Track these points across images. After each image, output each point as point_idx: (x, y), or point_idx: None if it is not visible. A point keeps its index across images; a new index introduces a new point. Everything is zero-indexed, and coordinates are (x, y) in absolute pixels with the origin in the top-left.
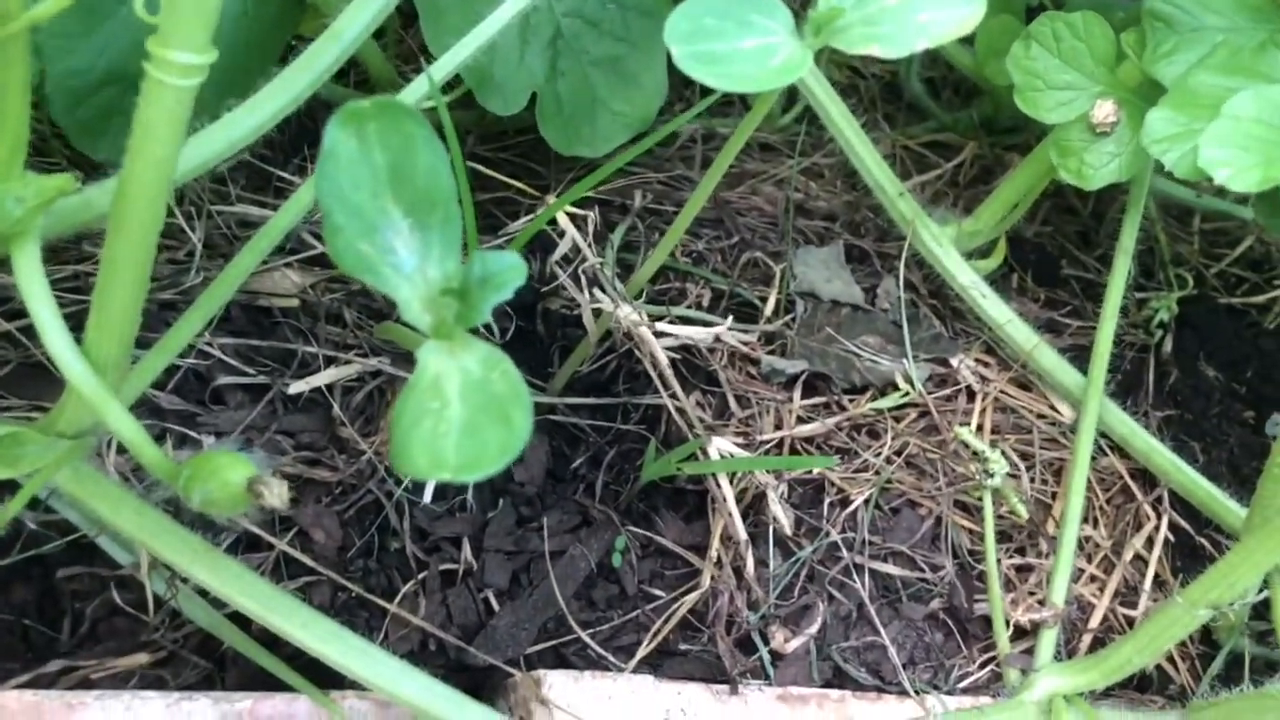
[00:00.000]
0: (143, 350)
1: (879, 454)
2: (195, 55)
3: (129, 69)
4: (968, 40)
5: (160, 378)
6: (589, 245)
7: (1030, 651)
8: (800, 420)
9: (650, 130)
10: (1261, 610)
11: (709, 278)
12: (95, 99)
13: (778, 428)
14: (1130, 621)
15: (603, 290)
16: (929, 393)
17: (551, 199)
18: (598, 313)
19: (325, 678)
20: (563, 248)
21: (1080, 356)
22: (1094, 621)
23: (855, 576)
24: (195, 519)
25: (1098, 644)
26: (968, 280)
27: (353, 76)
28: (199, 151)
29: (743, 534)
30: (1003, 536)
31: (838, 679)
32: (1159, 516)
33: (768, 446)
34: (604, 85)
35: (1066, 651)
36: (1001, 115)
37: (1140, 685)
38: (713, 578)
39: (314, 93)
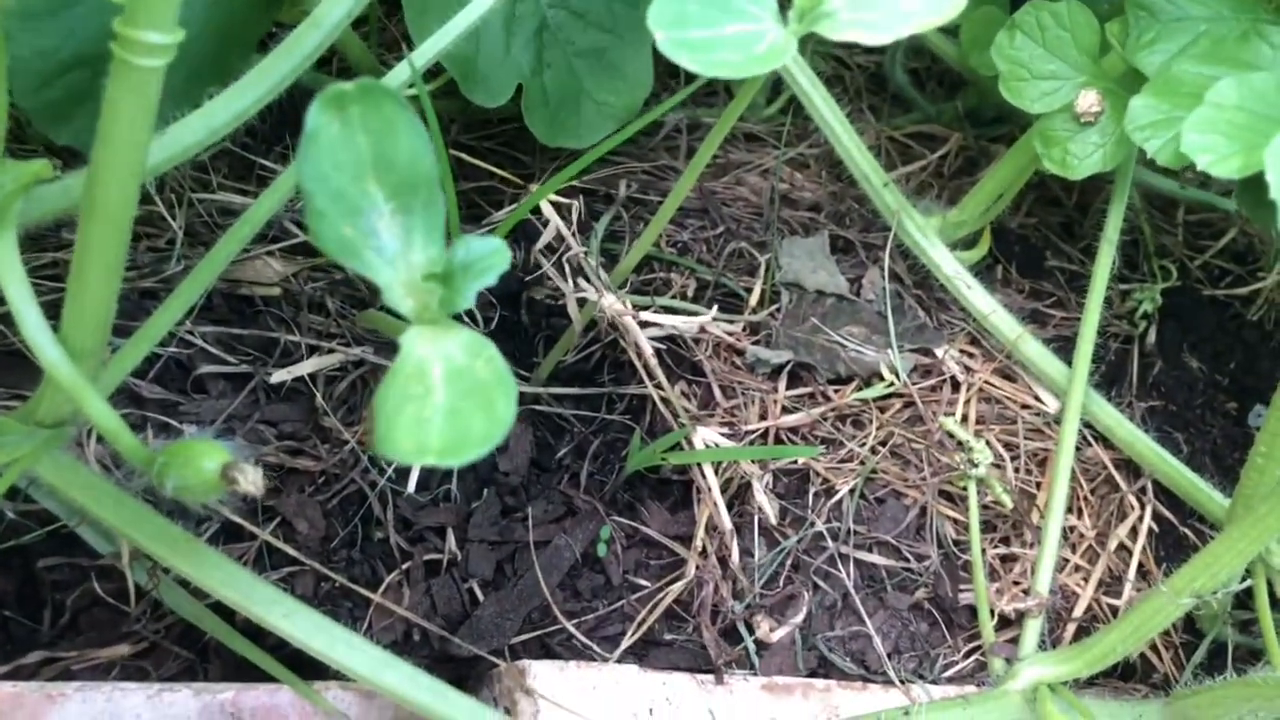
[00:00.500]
0: (123, 339)
1: (864, 444)
2: (162, 35)
3: (99, 52)
4: (952, 31)
5: (141, 366)
6: (573, 234)
7: (1015, 641)
8: (785, 410)
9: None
10: (1244, 599)
11: (694, 268)
12: (62, 82)
13: (762, 418)
14: (1114, 611)
15: (587, 279)
16: (913, 383)
17: (535, 188)
18: (582, 302)
19: (308, 668)
20: (546, 236)
21: (1064, 347)
22: (1078, 611)
23: (840, 566)
24: (176, 509)
25: (1082, 633)
26: (952, 271)
27: (335, 65)
28: (179, 139)
29: (728, 524)
30: (987, 526)
31: (823, 668)
32: (1143, 506)
33: (752, 437)
34: (589, 76)
35: (1051, 641)
36: (986, 107)
37: (1124, 674)
38: (698, 567)
39: (296, 81)
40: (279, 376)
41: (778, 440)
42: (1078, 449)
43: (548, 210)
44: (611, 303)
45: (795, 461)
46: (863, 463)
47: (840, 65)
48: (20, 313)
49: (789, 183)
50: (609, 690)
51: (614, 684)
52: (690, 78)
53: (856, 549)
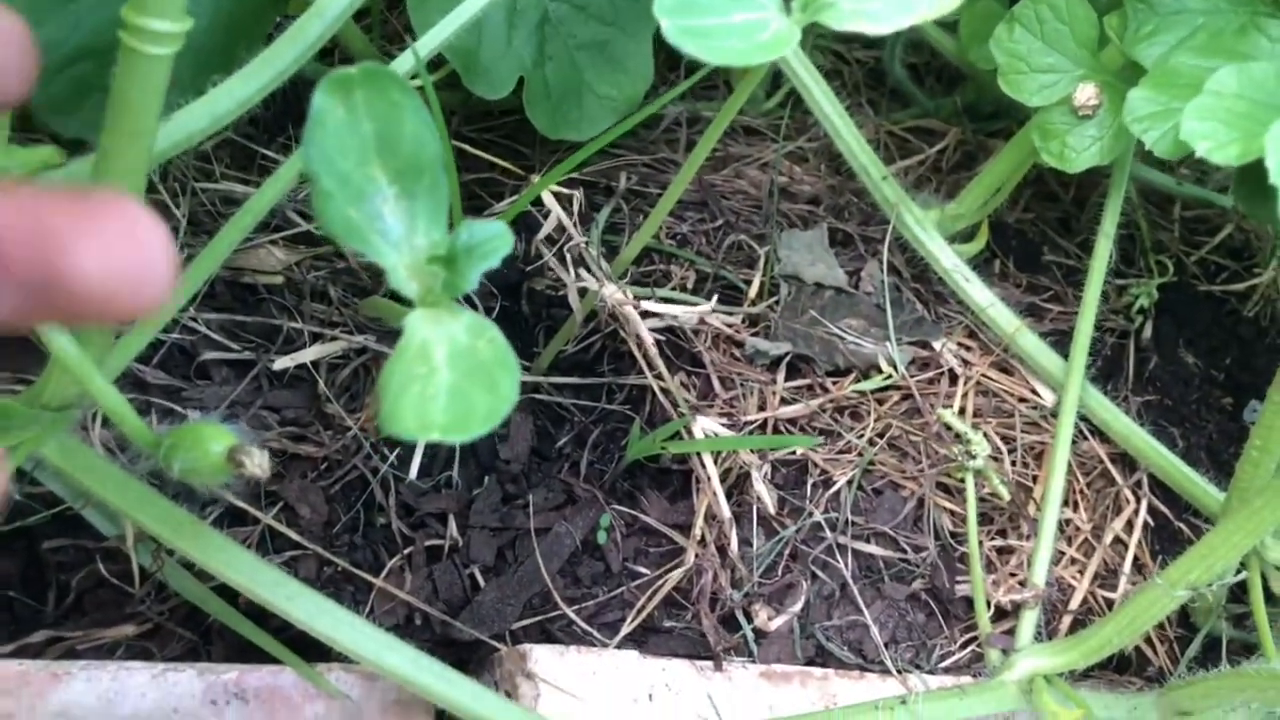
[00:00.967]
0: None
1: (862, 435)
2: (171, 23)
3: (105, 44)
4: (951, 26)
5: (145, 352)
6: (575, 224)
7: (1011, 632)
8: (784, 401)
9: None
10: (1238, 593)
11: (693, 260)
12: (68, 73)
13: (761, 409)
14: (1109, 603)
15: (588, 270)
16: (911, 375)
17: (536, 179)
18: (583, 292)
19: (311, 650)
20: (547, 227)
21: (1061, 341)
22: (1074, 603)
23: (838, 556)
24: (181, 492)
25: (1078, 625)
26: (950, 264)
27: (336, 56)
28: (183, 126)
29: (727, 513)
30: (984, 518)
31: (820, 657)
32: (1138, 500)
33: (751, 427)
34: (590, 69)
35: (1047, 632)
36: (984, 101)
37: (1119, 666)
38: (697, 556)
39: (299, 72)
40: (282, 363)
41: (776, 431)
42: (1074, 442)
43: (549, 201)
44: (612, 293)
45: (794, 452)
46: (861, 454)
47: (839, 60)
48: None
49: (788, 176)
50: (609, 675)
51: (614, 669)
52: (690, 71)
53: (854, 539)
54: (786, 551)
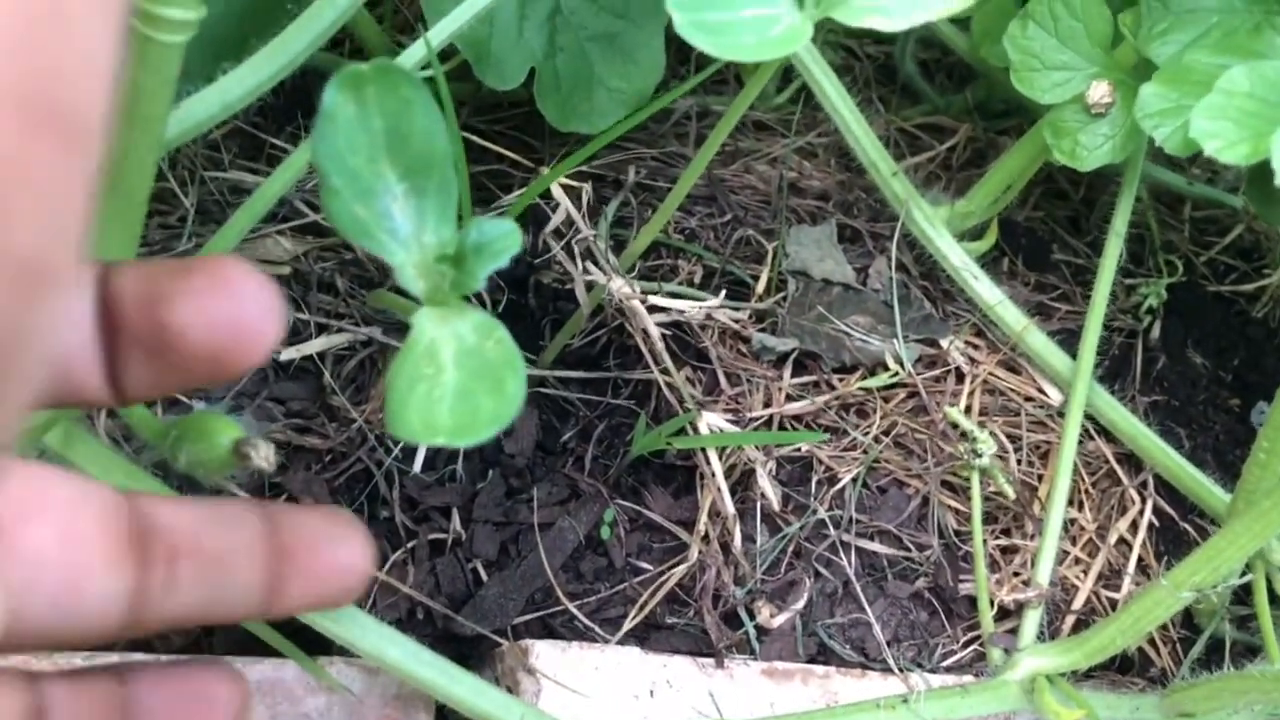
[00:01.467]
0: None
1: (867, 433)
2: (185, 11)
3: None
4: (963, 22)
5: None
6: (583, 217)
7: (1014, 632)
8: (790, 398)
9: (646, 106)
10: (1242, 595)
11: (701, 254)
12: None
13: (767, 405)
14: (1113, 604)
15: (595, 263)
16: (918, 373)
17: (545, 172)
18: (590, 286)
19: (313, 644)
20: (556, 220)
21: (1069, 340)
22: (1077, 603)
23: (842, 554)
24: (185, 484)
25: (1081, 625)
26: (959, 261)
27: (347, 47)
28: (193, 114)
29: (731, 509)
30: (989, 517)
31: (823, 655)
32: (1144, 501)
33: (757, 423)
34: (601, 61)
35: (1050, 632)
36: (994, 99)
37: (1122, 667)
38: (700, 552)
39: (309, 61)
40: (288, 354)
41: (782, 427)
42: (1080, 442)
43: (558, 194)
44: (619, 287)
45: (799, 449)
46: (866, 451)
47: (850, 55)
48: None
49: (797, 171)
50: (610, 671)
51: (616, 665)
52: (701, 65)
53: (858, 537)
54: (790, 548)
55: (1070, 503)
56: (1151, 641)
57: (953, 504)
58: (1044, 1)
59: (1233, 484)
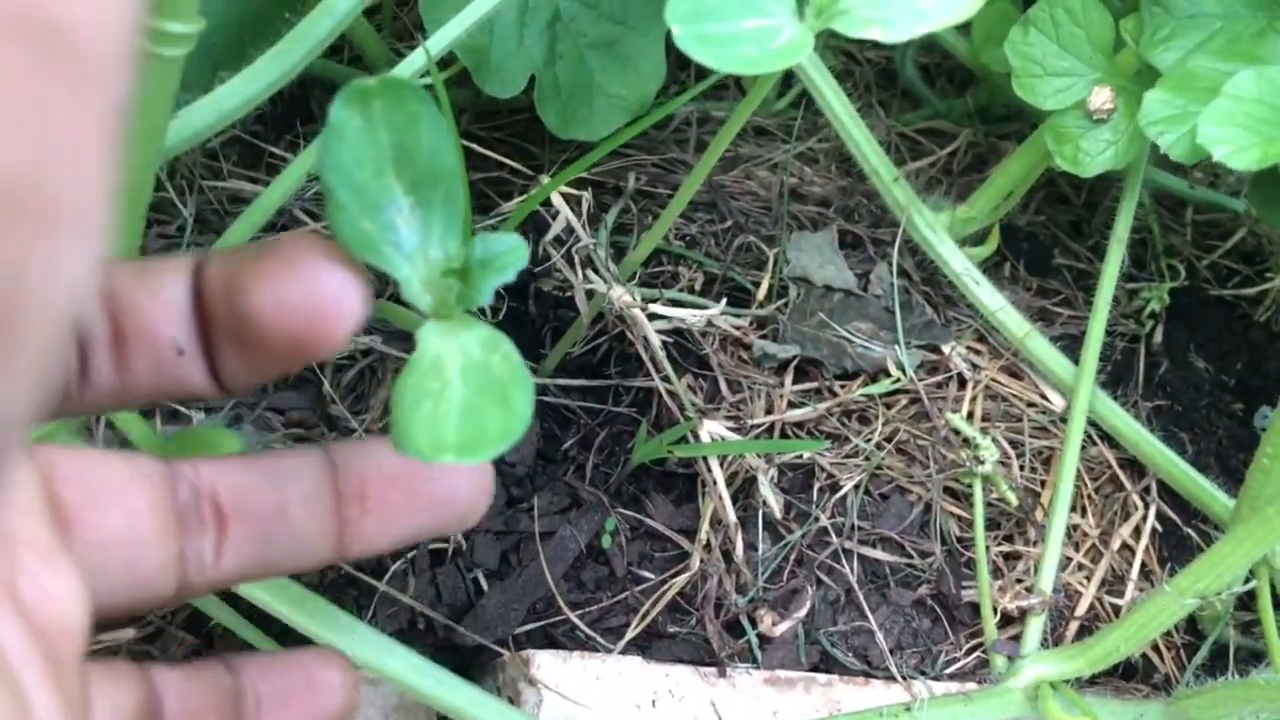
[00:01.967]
0: None
1: (869, 439)
2: (184, 25)
3: None
4: (964, 28)
5: None
6: (583, 225)
7: (1017, 638)
8: (791, 405)
9: (646, 113)
10: (1247, 601)
11: (702, 261)
12: None
13: (769, 412)
14: (1116, 610)
15: (596, 272)
16: (920, 379)
17: (545, 179)
18: (590, 294)
19: None
20: (556, 228)
21: (1071, 346)
22: (1081, 609)
23: (844, 561)
24: None
25: (1084, 632)
26: (961, 268)
27: (346, 54)
28: (190, 124)
29: (732, 517)
30: (991, 524)
31: (825, 663)
32: (1147, 506)
33: (758, 431)
34: (601, 68)
35: (1053, 639)
36: (995, 103)
37: (1125, 673)
38: (702, 561)
39: (307, 69)
40: None
41: (783, 434)
42: (1083, 447)
43: (557, 202)
44: (620, 295)
45: (800, 456)
46: (868, 458)
47: (850, 60)
48: None
49: (798, 177)
50: (612, 681)
51: (617, 675)
52: (702, 72)
53: (860, 544)
54: (792, 556)
55: (1073, 508)
56: (1155, 647)
57: (955, 510)
58: (1045, 7)
59: (1236, 488)
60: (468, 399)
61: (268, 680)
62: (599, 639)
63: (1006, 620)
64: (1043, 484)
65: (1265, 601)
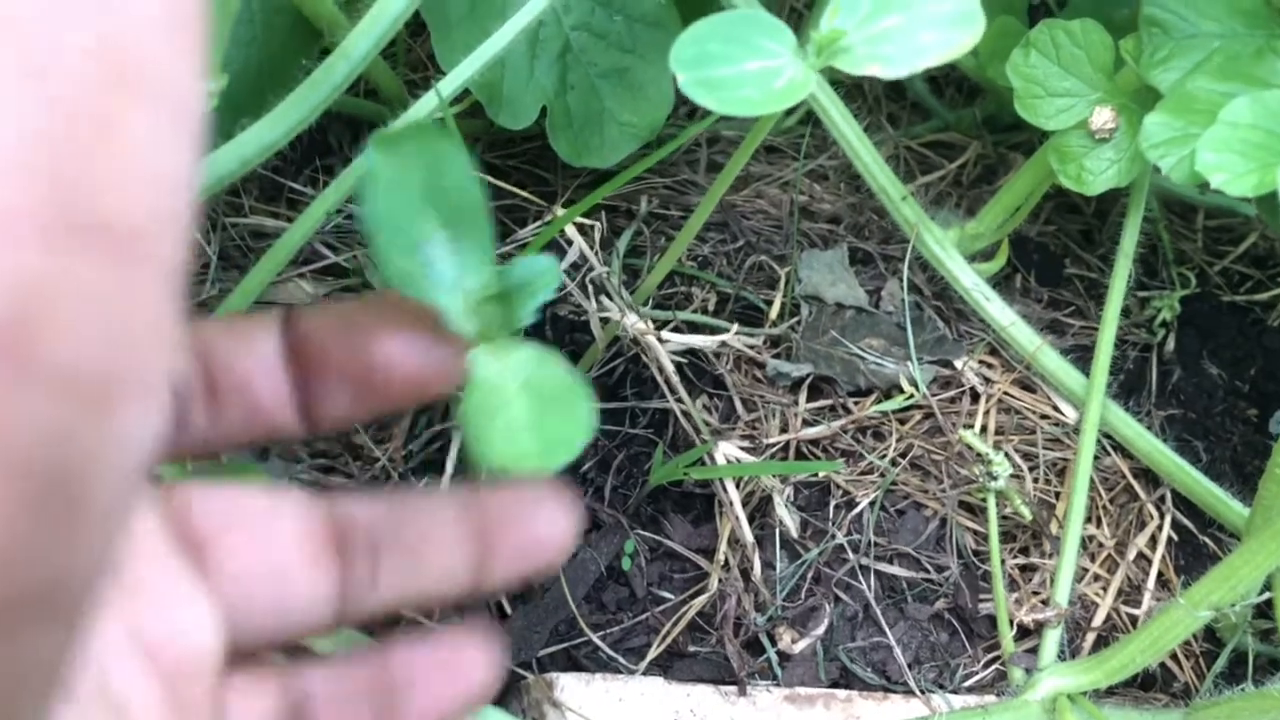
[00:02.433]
0: None
1: (884, 456)
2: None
3: None
4: None
5: None
6: (596, 253)
7: (1034, 651)
8: (806, 423)
9: (658, 139)
10: (1265, 608)
11: (715, 281)
12: None
13: (783, 430)
14: (1133, 620)
15: (610, 298)
16: (933, 395)
17: (559, 208)
18: (605, 321)
19: None
20: (570, 256)
21: (1084, 356)
22: (1098, 620)
23: (861, 578)
24: None
25: (1101, 642)
26: (971, 284)
27: (362, 87)
28: (212, 170)
29: (750, 537)
30: (1007, 537)
31: (844, 679)
32: (1162, 515)
33: (774, 449)
34: (612, 96)
35: (1070, 650)
36: (1004, 113)
37: (1144, 683)
38: (720, 580)
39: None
40: None
41: (798, 453)
42: (1096, 458)
43: (571, 232)
44: (633, 323)
45: (816, 474)
46: (883, 475)
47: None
48: None
49: (808, 195)
50: (634, 702)
51: (639, 696)
52: None
53: (877, 560)
54: (809, 574)
55: (1088, 519)
56: (1174, 656)
57: (971, 525)
58: (1045, 30)
59: (1251, 495)
60: (532, 412)
61: (414, 664)
62: (621, 660)
63: (1024, 632)
64: (1057, 496)
65: None
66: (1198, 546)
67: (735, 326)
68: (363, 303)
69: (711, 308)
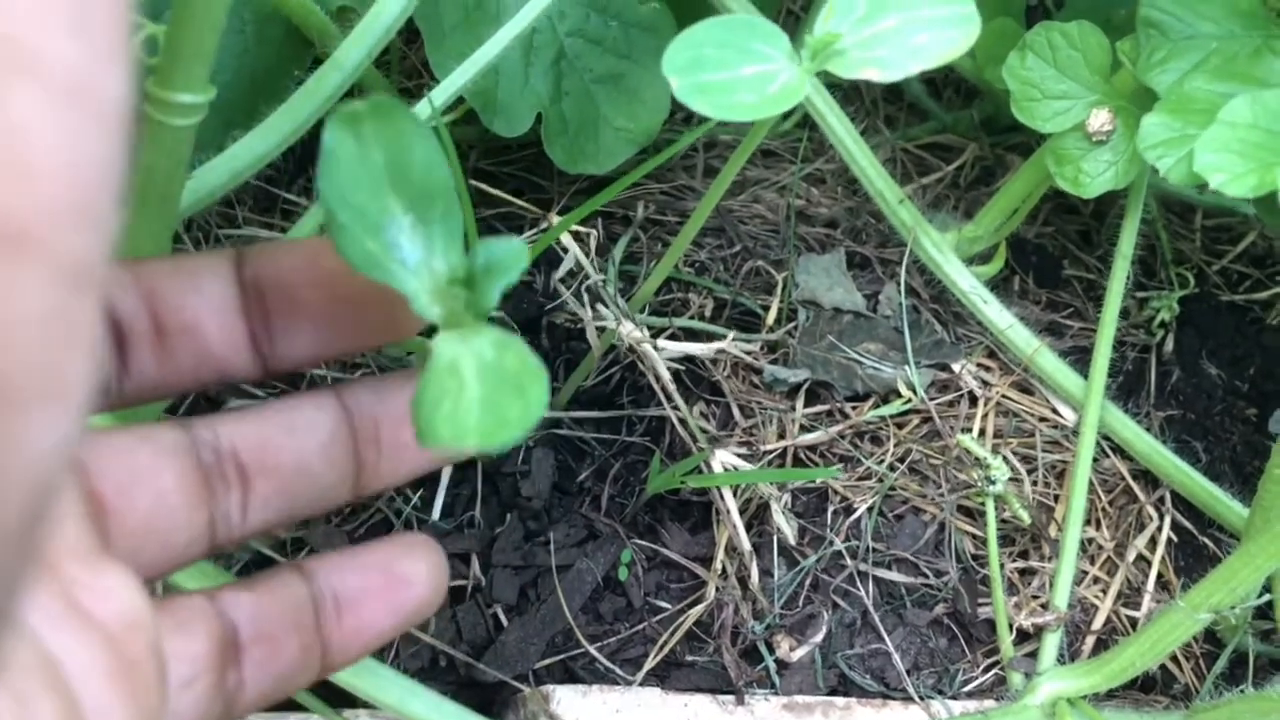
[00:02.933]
0: None
1: (882, 461)
2: (195, 95)
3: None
4: None
5: (173, 401)
6: (591, 262)
7: (1034, 655)
8: (803, 429)
9: (654, 144)
10: (1265, 609)
11: (711, 287)
12: None
13: (781, 437)
14: (1133, 622)
15: (606, 306)
16: (931, 399)
17: (554, 215)
18: (601, 329)
19: (337, 697)
20: (566, 265)
21: (1082, 358)
22: (1097, 623)
23: (859, 584)
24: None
25: (1101, 645)
26: (968, 286)
27: (356, 94)
28: (205, 183)
29: (747, 545)
30: (1005, 540)
31: (843, 686)
32: (1161, 517)
33: (771, 456)
34: (607, 102)
35: (1070, 653)
36: (1002, 114)
37: (1144, 685)
38: (718, 589)
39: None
40: None
41: (796, 459)
42: (1095, 460)
43: (566, 240)
44: (629, 331)
45: (814, 480)
46: (881, 480)
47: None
48: None
49: (805, 199)
50: (632, 713)
51: (636, 706)
52: None
53: (875, 566)
54: (807, 581)
55: (1087, 522)
56: (1174, 658)
57: (969, 529)
58: (1042, 32)
59: (1251, 495)
60: (486, 394)
61: (346, 579)
62: (618, 670)
63: (1023, 636)
64: (1057, 498)
65: None
66: (1197, 547)
67: (732, 333)
68: (329, 241)
69: (708, 313)
